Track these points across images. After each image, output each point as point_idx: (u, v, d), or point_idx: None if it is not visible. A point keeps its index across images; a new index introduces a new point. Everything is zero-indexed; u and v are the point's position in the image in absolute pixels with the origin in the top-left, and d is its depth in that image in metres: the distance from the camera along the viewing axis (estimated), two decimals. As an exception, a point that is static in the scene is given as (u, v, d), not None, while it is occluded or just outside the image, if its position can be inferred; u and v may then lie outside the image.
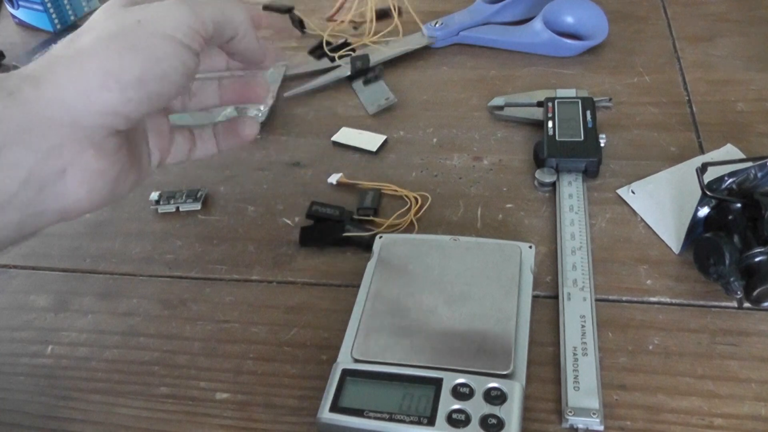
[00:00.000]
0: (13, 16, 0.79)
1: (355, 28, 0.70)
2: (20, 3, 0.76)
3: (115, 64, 0.30)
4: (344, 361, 0.37)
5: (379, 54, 0.64)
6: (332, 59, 0.64)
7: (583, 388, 0.36)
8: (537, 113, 0.55)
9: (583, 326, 0.39)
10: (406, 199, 0.49)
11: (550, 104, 0.53)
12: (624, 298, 0.41)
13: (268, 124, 0.59)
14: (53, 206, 0.31)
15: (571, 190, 0.48)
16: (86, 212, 0.33)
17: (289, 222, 0.49)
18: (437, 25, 0.65)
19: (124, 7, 0.32)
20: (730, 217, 0.40)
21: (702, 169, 0.40)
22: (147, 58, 0.30)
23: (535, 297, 0.41)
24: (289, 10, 0.71)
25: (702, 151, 0.51)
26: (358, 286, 0.42)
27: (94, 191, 0.32)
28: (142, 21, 0.30)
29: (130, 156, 0.35)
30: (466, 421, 0.33)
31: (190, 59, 0.32)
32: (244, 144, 0.43)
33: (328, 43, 0.66)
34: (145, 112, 0.32)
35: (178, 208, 0.51)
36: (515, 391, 0.34)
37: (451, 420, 0.33)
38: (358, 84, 0.62)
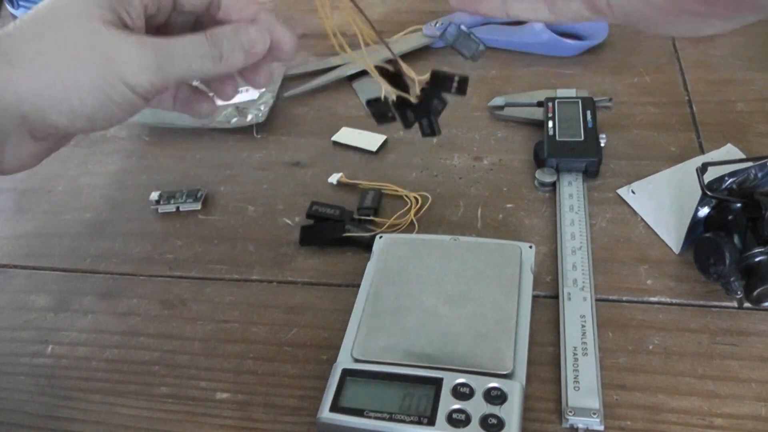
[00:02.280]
0: (14, 17, 0.78)
1: None
2: (20, 3, 0.76)
3: (76, 95, 0.30)
4: (344, 361, 0.37)
5: (379, 54, 0.64)
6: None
7: (583, 388, 0.36)
8: (537, 113, 0.55)
9: (583, 326, 0.39)
10: (406, 199, 0.49)
11: (550, 104, 0.53)
12: (624, 298, 0.41)
13: (268, 124, 0.59)
14: None
15: (572, 190, 0.48)
16: (12, 174, 0.35)
17: (289, 222, 0.49)
18: (437, 25, 0.65)
19: (104, 23, 0.31)
20: (730, 217, 0.40)
21: (702, 169, 0.40)
22: (103, 99, 0.31)
23: (535, 297, 0.41)
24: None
25: (702, 151, 0.51)
26: (358, 286, 0.42)
27: (24, 164, 0.34)
28: (110, 59, 0.31)
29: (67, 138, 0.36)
30: (467, 421, 0.33)
31: (140, 104, 0.32)
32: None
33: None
34: (87, 131, 0.34)
35: (178, 208, 0.51)
36: (515, 391, 0.34)
37: (451, 420, 0.33)
38: (358, 84, 0.62)
